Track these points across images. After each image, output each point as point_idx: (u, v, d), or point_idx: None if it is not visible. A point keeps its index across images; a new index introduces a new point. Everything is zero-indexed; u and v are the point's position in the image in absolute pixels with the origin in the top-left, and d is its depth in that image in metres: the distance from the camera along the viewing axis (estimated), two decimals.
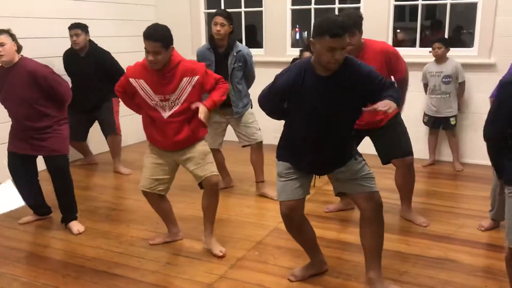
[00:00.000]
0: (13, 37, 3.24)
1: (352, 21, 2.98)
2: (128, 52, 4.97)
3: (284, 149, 2.54)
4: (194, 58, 6.31)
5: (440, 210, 3.74)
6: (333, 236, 3.29)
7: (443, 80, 4.63)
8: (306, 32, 7.03)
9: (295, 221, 2.57)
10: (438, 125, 4.80)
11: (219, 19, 3.70)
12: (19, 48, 3.26)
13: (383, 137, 3.29)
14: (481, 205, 3.70)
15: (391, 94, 2.27)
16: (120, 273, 2.84)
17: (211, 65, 3.72)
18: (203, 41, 6.13)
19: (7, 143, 3.42)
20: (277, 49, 5.64)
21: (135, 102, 2.96)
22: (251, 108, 3.95)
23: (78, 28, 4.50)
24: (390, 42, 5.06)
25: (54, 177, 3.39)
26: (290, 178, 2.50)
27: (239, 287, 2.67)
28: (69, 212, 3.46)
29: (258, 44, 5.92)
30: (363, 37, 3.16)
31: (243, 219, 3.63)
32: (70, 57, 4.65)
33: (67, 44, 4.62)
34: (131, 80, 2.87)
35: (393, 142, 3.29)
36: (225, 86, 2.98)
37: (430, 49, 4.71)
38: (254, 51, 5.81)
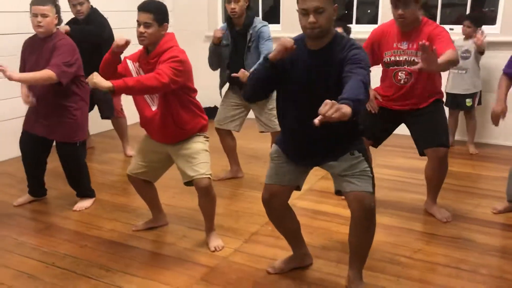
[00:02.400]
0: (57, 8, 3.17)
1: None
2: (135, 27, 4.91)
3: (280, 133, 2.45)
4: (211, 33, 6.26)
5: (455, 189, 3.72)
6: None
7: (462, 54, 4.49)
8: None
9: (275, 208, 2.44)
10: (455, 105, 4.69)
11: None
12: (59, 22, 3.20)
13: (419, 124, 3.08)
14: (498, 185, 3.67)
15: (348, 95, 1.89)
16: (137, 245, 2.90)
17: (228, 46, 3.59)
18: (219, 15, 6.09)
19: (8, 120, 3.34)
20: (294, 25, 5.53)
21: None
22: None
23: None
24: None
25: (62, 163, 3.37)
26: (277, 162, 2.39)
27: (253, 260, 2.71)
28: (79, 191, 3.48)
29: (276, 20, 5.85)
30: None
31: (257, 194, 3.63)
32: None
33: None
34: (128, 61, 2.73)
35: (430, 129, 3.05)
36: (158, 77, 2.47)
37: (451, 27, 4.60)
38: (270, 26, 5.78)
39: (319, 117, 1.74)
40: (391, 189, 3.67)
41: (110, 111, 4.48)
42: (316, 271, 2.60)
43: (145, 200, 3.09)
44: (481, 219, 3.20)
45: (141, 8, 2.57)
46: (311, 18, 2.08)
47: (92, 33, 4.19)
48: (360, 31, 5.33)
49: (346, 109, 1.77)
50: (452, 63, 2.76)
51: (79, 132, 3.32)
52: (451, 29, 4.86)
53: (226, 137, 3.90)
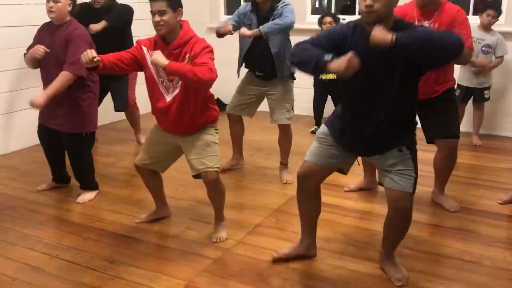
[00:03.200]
0: None
1: None
2: (145, 19, 4.89)
3: (333, 115, 2.44)
4: (213, 24, 6.22)
5: (460, 181, 3.70)
6: (351, 205, 3.30)
7: (483, 48, 4.42)
8: (325, 0, 6.88)
9: (307, 186, 2.44)
10: (468, 97, 4.62)
11: None
12: (73, 9, 3.18)
13: (431, 112, 3.03)
14: (502, 176, 3.66)
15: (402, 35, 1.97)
16: (140, 237, 2.90)
17: (251, 27, 3.45)
18: (221, 7, 6.05)
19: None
20: (297, 17, 5.50)
21: (145, 77, 2.74)
22: (294, 77, 3.63)
23: None
24: None
25: (68, 153, 3.39)
26: (322, 143, 2.40)
27: (256, 252, 2.71)
28: (82, 183, 3.48)
29: None
30: None
31: (261, 186, 3.65)
32: (85, 13, 4.09)
33: None
34: (145, 48, 2.66)
35: (442, 119, 3.04)
36: (207, 74, 2.46)
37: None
38: None
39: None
40: None
41: (125, 105, 4.47)
42: (319, 262, 2.60)
43: (150, 190, 3.08)
44: (485, 211, 3.19)
45: None
46: (368, 1, 2.02)
47: (126, 13, 4.21)
48: None
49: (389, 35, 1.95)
50: (459, 62, 2.76)
51: (87, 123, 3.30)
52: None
53: (236, 124, 3.87)
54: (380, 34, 1.99)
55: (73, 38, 3.11)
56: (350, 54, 1.97)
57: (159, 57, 2.48)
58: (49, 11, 3.12)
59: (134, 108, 4.62)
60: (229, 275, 2.50)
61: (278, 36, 3.43)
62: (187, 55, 2.58)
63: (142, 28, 4.19)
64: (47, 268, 2.58)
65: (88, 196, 3.44)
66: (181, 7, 2.65)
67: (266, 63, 3.50)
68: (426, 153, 3.18)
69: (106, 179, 3.78)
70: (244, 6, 3.59)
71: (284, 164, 3.83)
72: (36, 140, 3.53)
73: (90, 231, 2.99)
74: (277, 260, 2.59)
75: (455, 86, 3.26)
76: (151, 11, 2.57)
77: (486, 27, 4.44)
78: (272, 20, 3.37)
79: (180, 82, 2.62)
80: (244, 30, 3.32)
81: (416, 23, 2.93)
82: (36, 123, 3.43)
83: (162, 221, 3.10)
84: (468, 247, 2.73)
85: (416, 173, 2.28)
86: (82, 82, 3.20)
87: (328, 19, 4.67)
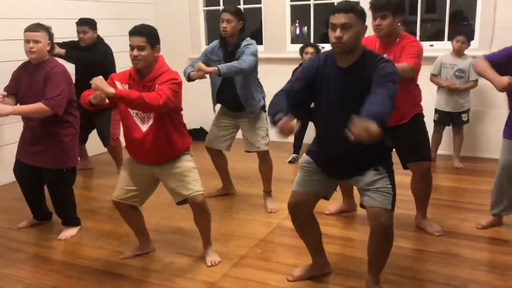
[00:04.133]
0: (50, 35, 3.18)
1: (385, 1, 2.86)
2: (126, 51, 4.93)
3: (312, 144, 2.53)
4: (194, 55, 6.29)
5: (441, 204, 3.74)
6: (334, 232, 3.29)
7: (456, 73, 4.53)
8: (306, 27, 7.01)
9: (299, 215, 2.52)
10: (444, 122, 4.70)
11: (226, 15, 3.50)
12: (51, 48, 3.21)
13: (402, 139, 3.03)
14: (483, 198, 3.69)
15: (372, 108, 1.99)
16: (124, 273, 2.85)
17: (219, 62, 3.54)
18: (202, 39, 6.14)
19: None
20: (277, 45, 5.63)
21: (118, 111, 2.81)
22: (265, 108, 3.70)
23: (86, 25, 4.37)
24: None
25: (48, 189, 3.35)
26: (306, 171, 2.49)
27: (242, 285, 2.68)
28: (64, 219, 3.42)
29: (258, 41, 5.92)
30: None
31: (246, 216, 3.63)
32: (72, 49, 4.42)
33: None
34: (117, 83, 2.72)
35: (413, 144, 3.07)
36: (154, 101, 2.51)
37: (431, 43, 4.65)
38: None
39: (351, 135, 1.89)
40: None
41: (106, 138, 4.53)
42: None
43: (131, 226, 3.05)
44: (469, 234, 3.22)
45: (134, 33, 2.64)
46: (338, 33, 2.18)
47: (88, 59, 4.31)
48: None
49: (373, 126, 1.86)
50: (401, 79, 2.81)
51: (69, 158, 3.27)
52: (431, 45, 4.97)
53: (217, 156, 3.93)
54: (367, 134, 1.90)
55: (52, 76, 3.11)
56: (282, 121, 2.05)
57: (102, 84, 2.46)
58: (30, 52, 3.12)
59: (115, 143, 4.60)
60: None
61: (241, 76, 3.53)
62: (156, 85, 2.65)
63: (125, 60, 4.23)
64: None
65: (70, 232, 3.38)
66: (159, 44, 2.72)
67: (234, 99, 3.60)
68: (404, 177, 3.22)
69: (88, 214, 3.73)
70: (212, 44, 3.72)
71: (267, 192, 3.84)
72: None
73: (72, 268, 2.93)
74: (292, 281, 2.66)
75: (434, 110, 3.31)
76: (130, 45, 2.65)
77: (458, 53, 4.56)
78: (236, 57, 3.47)
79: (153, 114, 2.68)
80: (201, 65, 3.36)
81: None
82: None
83: (146, 255, 3.05)
84: (453, 272, 2.74)
85: (394, 191, 2.35)
86: (63, 118, 3.19)
87: (309, 49, 4.74)
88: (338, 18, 2.19)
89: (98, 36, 4.52)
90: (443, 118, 4.67)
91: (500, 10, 4.62)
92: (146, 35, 2.62)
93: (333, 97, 2.27)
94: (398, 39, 2.99)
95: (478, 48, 4.79)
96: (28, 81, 3.19)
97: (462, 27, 4.67)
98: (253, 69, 3.52)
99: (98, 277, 2.82)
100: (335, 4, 2.23)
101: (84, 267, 2.94)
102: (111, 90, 2.47)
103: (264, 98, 3.70)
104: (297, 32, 8.17)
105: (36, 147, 3.21)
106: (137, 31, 2.64)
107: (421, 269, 2.78)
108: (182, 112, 2.86)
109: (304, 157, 2.54)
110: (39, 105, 3.03)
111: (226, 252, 3.05)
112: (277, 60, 5.42)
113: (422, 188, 3.21)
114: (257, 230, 3.36)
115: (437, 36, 5.00)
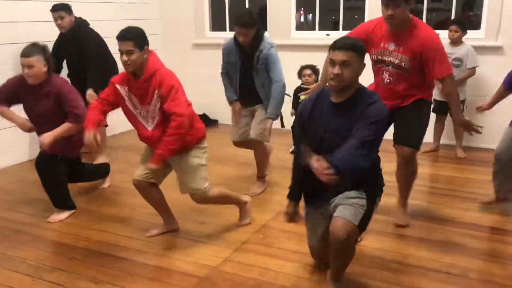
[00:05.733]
0: (46, 55, 3.18)
1: None
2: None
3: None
4: (198, 40, 6.27)
5: (444, 194, 3.74)
6: None
7: (453, 62, 4.49)
8: (310, 15, 6.96)
9: (326, 256, 2.48)
10: (444, 111, 4.71)
11: (240, 30, 3.43)
12: (50, 67, 3.21)
13: (398, 117, 3.03)
14: (486, 188, 3.69)
15: (336, 160, 2.07)
16: (126, 256, 2.87)
17: (237, 62, 3.59)
18: (206, 23, 6.09)
19: None
20: (281, 32, 5.59)
21: (123, 112, 2.90)
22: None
23: (61, 10, 4.24)
24: None
25: (38, 169, 3.36)
26: (309, 219, 2.56)
27: (244, 269, 2.69)
28: (54, 203, 3.43)
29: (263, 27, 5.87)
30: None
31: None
32: (58, 42, 4.42)
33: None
34: (118, 86, 2.80)
35: (404, 126, 3.03)
36: (177, 132, 2.67)
37: (436, 32, 4.60)
38: None
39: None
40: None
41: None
42: (310, 279, 2.59)
43: (154, 205, 3.10)
44: (470, 223, 3.22)
45: (120, 38, 2.68)
46: (337, 70, 2.20)
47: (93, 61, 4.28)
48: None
49: (330, 178, 2.01)
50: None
51: (68, 148, 3.32)
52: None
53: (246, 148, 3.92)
54: (324, 179, 2.06)
55: (63, 95, 3.19)
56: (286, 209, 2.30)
57: (150, 166, 2.70)
58: (27, 77, 3.16)
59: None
60: None
61: (262, 76, 3.56)
62: (156, 91, 2.71)
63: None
64: None
65: (59, 216, 3.39)
66: (147, 44, 2.74)
67: (252, 95, 3.63)
68: (387, 163, 3.19)
69: (91, 198, 3.74)
70: (228, 43, 3.66)
71: (259, 177, 3.90)
72: (20, 158, 3.48)
73: (75, 250, 2.95)
74: None
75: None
76: (119, 50, 2.69)
77: (454, 42, 4.54)
78: (256, 59, 3.49)
79: (159, 109, 2.74)
80: (266, 130, 3.57)
81: (383, 43, 2.98)
82: (20, 141, 3.39)
83: (148, 239, 3.07)
84: (454, 260, 2.75)
85: (368, 214, 2.28)
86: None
87: (307, 71, 4.66)
88: (338, 55, 2.21)
89: (77, 18, 4.38)
90: (439, 107, 4.65)
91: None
92: (132, 39, 2.65)
93: (320, 130, 2.31)
94: (409, 27, 2.89)
95: (484, 38, 4.75)
96: (30, 97, 3.24)
97: (468, 16, 4.61)
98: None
99: (100, 259, 2.83)
100: (335, 40, 2.30)
101: (86, 250, 2.95)
102: (154, 166, 2.67)
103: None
104: (302, 19, 8.12)
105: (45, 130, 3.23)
106: (123, 36, 2.67)
107: (423, 257, 2.79)
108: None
109: (304, 212, 2.57)
110: (68, 126, 3.20)
111: (228, 237, 3.07)
112: (281, 47, 5.33)
113: (403, 175, 3.13)
114: (258, 216, 3.36)
115: (443, 25, 4.93)
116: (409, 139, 3.01)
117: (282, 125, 4.12)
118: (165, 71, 2.76)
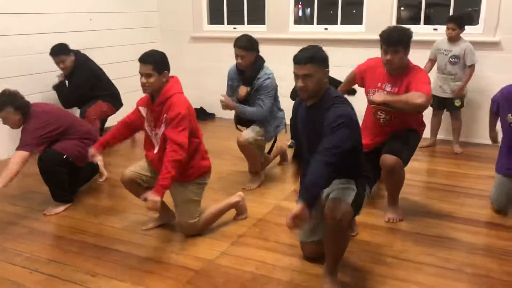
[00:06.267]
0: (15, 104, 3.20)
1: (398, 37, 2.87)
2: (127, 28, 4.87)
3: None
4: (196, 34, 6.25)
5: (440, 188, 3.75)
6: None
7: (450, 59, 4.49)
8: (309, 9, 6.93)
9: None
10: (442, 106, 4.69)
11: (238, 52, 3.53)
12: (23, 113, 3.24)
13: (388, 141, 3.09)
14: (482, 184, 3.71)
15: (305, 182, 2.24)
16: (122, 249, 2.87)
17: (237, 87, 3.68)
18: (204, 17, 6.06)
19: None
20: (279, 26, 5.58)
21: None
22: (285, 131, 3.87)
23: (61, 54, 4.33)
24: (393, 21, 4.96)
25: (42, 166, 3.38)
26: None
27: (240, 263, 2.69)
28: (52, 195, 3.45)
29: (261, 21, 5.85)
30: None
31: (245, 196, 3.63)
32: (64, 79, 4.53)
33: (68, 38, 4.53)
34: (141, 108, 2.91)
35: (392, 140, 3.06)
36: (173, 158, 2.65)
37: (435, 27, 4.62)
38: (256, 27, 5.75)
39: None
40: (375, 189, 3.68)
41: (82, 114, 4.51)
42: (305, 273, 2.60)
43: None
44: (466, 218, 3.23)
45: (141, 60, 2.74)
46: (300, 83, 2.35)
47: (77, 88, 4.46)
48: (344, 32, 5.37)
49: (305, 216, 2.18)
50: (405, 103, 2.87)
51: (70, 149, 3.37)
52: (434, 29, 4.93)
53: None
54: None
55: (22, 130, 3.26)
56: (295, 211, 2.18)
57: (154, 203, 2.62)
58: (7, 124, 3.30)
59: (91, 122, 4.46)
60: (213, 287, 2.48)
61: (255, 101, 3.63)
62: (165, 115, 2.76)
63: (131, 83, 4.39)
64: (26, 282, 2.54)
65: (56, 209, 3.39)
66: (168, 70, 2.79)
67: (249, 120, 3.71)
68: (410, 162, 3.20)
69: (88, 191, 3.74)
70: (231, 69, 3.79)
71: (251, 172, 3.88)
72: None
73: (71, 243, 2.95)
74: None
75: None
76: (139, 72, 2.75)
77: (451, 39, 4.51)
78: (253, 86, 3.61)
79: (160, 137, 2.81)
80: (227, 101, 3.62)
81: (380, 83, 3.06)
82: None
83: (145, 232, 3.07)
84: (449, 255, 2.76)
85: (359, 195, 2.37)
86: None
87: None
88: (299, 70, 2.33)
89: (76, 53, 4.45)
90: (437, 103, 4.64)
91: None
92: (152, 63, 2.72)
93: (301, 130, 2.56)
94: (405, 71, 2.98)
95: (482, 34, 4.74)
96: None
97: (465, 13, 4.60)
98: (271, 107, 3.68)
99: (96, 252, 2.83)
100: (295, 54, 2.37)
101: (83, 242, 2.95)
102: (158, 198, 2.61)
103: (283, 123, 3.87)
104: (300, 13, 8.10)
105: None
106: (144, 59, 2.75)
107: (418, 252, 2.80)
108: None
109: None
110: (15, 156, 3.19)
111: (225, 231, 3.07)
112: (279, 41, 5.37)
113: (387, 183, 3.15)
114: (255, 210, 3.37)
115: (441, 20, 4.91)
116: (397, 150, 3.00)
117: (269, 151, 4.06)
118: (178, 97, 2.78)
